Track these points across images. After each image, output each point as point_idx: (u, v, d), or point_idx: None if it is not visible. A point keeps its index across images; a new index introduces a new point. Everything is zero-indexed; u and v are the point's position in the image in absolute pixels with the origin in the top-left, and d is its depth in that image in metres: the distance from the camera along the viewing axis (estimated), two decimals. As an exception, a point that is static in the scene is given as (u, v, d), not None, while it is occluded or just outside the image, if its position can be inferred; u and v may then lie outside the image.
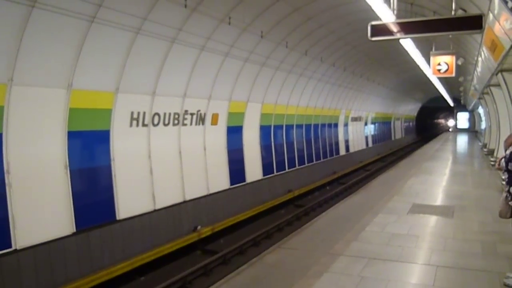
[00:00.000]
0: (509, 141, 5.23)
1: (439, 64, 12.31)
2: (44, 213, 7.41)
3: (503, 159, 5.12)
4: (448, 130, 59.54)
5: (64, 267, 7.68)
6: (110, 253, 8.64)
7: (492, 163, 15.67)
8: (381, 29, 7.71)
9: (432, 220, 8.10)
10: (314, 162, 19.89)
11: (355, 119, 26.78)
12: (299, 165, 18.12)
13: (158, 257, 9.49)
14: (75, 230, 7.89)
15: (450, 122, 69.92)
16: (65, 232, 7.74)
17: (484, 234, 7.00)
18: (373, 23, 7.72)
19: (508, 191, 4.97)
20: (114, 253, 8.73)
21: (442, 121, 76.69)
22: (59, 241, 7.59)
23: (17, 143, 6.90)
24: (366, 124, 29.79)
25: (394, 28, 7.64)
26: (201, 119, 11.60)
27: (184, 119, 10.88)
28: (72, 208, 7.86)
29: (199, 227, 10.95)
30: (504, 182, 5.17)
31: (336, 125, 23.42)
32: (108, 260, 8.55)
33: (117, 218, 8.86)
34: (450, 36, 11.11)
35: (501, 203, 5.13)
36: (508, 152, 5.10)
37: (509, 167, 4.92)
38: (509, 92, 12.19)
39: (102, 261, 8.41)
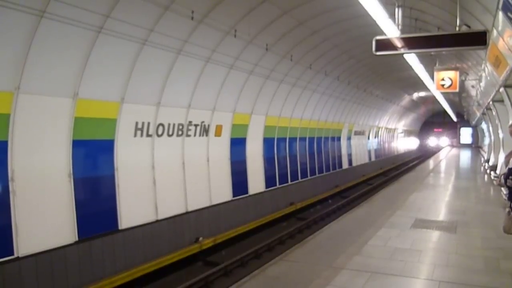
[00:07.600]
0: (509, 157, 5.23)
1: (442, 79, 12.38)
2: (47, 221, 7.42)
3: (503, 175, 5.12)
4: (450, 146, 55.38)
5: (65, 276, 7.67)
6: (112, 263, 8.62)
7: (495, 178, 15.60)
8: (385, 44, 7.77)
9: (435, 235, 8.05)
10: (317, 175, 19.86)
11: (358, 133, 26.78)
12: (301, 178, 18.09)
13: (159, 268, 9.45)
14: (77, 239, 7.90)
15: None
16: (67, 240, 7.74)
17: (487, 250, 6.94)
18: (378, 37, 7.80)
19: (510, 206, 4.96)
20: (116, 263, 8.71)
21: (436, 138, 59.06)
22: (61, 249, 7.59)
23: (22, 151, 6.95)
24: (369, 138, 29.77)
25: (399, 43, 7.70)
26: (205, 131, 11.65)
27: (188, 130, 10.93)
28: (75, 217, 7.88)
29: (201, 238, 10.93)
30: (506, 198, 5.16)
31: (339, 139, 23.41)
32: (110, 269, 8.53)
33: (120, 227, 8.86)
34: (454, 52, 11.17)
35: (505, 218, 5.13)
36: (507, 168, 5.08)
37: (507, 184, 4.90)
38: (513, 108, 12.18)
39: (103, 271, 8.39)
